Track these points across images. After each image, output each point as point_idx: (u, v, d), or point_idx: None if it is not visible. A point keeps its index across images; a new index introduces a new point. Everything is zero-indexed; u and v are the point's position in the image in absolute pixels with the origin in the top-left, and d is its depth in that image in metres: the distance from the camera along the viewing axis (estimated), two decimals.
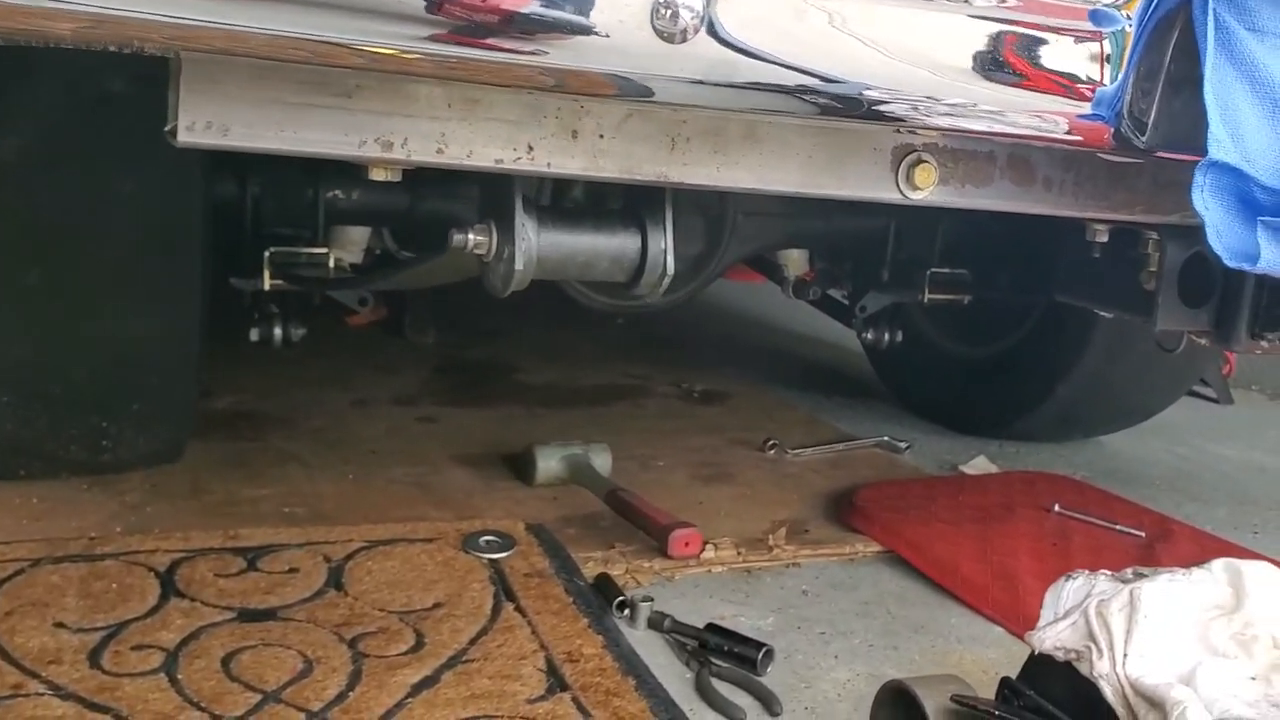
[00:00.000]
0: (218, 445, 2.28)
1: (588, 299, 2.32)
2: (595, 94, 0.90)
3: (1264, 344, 1.47)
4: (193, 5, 0.77)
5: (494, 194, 1.08)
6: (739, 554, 1.94)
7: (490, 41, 0.86)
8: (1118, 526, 2.19)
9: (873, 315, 2.77)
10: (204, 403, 2.56)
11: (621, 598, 1.70)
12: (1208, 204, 0.98)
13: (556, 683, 1.43)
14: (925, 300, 2.50)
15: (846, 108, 0.87)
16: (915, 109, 0.90)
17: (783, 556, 1.97)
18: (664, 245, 1.06)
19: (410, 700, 1.36)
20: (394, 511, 1.99)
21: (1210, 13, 0.93)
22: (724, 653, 1.59)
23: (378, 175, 0.99)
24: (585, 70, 0.87)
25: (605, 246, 1.07)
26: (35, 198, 1.57)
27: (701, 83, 0.88)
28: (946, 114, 0.90)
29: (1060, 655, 1.17)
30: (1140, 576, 1.21)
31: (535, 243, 1.03)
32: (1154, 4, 0.93)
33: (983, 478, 2.49)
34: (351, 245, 2.19)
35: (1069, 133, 0.94)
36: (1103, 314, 1.80)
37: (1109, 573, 1.24)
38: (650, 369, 3.25)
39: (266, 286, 2.02)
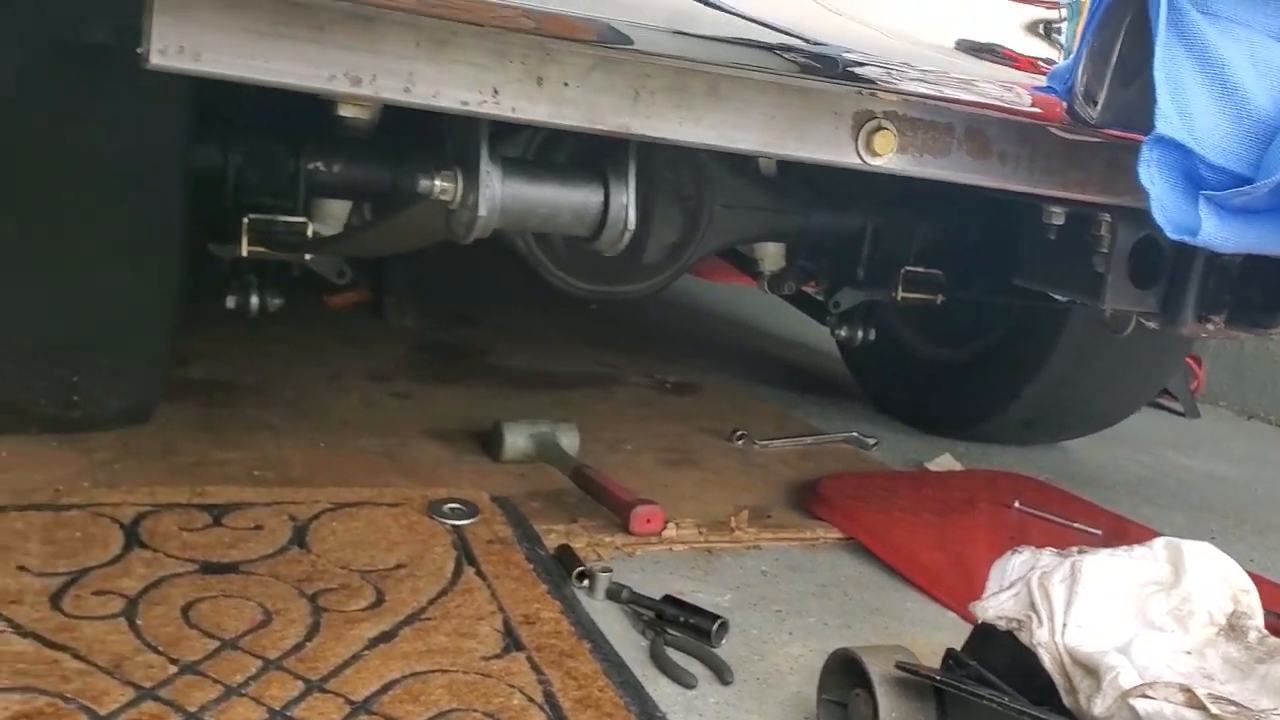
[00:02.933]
0: (190, 411, 2.29)
1: (564, 283, 2.35)
2: (574, 38, 0.91)
3: (1209, 326, 1.51)
4: None
5: (461, 143, 1.11)
6: (700, 534, 1.97)
7: None
8: (1075, 524, 2.22)
9: (847, 313, 2.80)
10: (179, 371, 2.57)
11: (581, 568, 1.72)
12: (1154, 178, 1.01)
13: (512, 643, 1.46)
14: (899, 299, 2.54)
15: (825, 69, 0.90)
16: (888, 73, 0.92)
17: (744, 539, 2.00)
18: (625, 200, 1.09)
19: (367, 652, 1.38)
20: (361, 479, 2.01)
21: None
22: (679, 624, 1.62)
23: (347, 111, 1.01)
24: (565, 14, 0.89)
25: (568, 199, 1.09)
26: (12, 146, 1.58)
27: (681, 34, 0.90)
28: (916, 80, 0.92)
29: (1002, 625, 1.20)
30: (1083, 553, 1.24)
31: (499, 191, 1.06)
32: None
33: (946, 474, 2.52)
34: (331, 218, 2.20)
35: (1024, 105, 0.97)
36: (1057, 297, 1.84)
37: (1055, 550, 1.27)
38: (623, 359, 3.27)
39: (244, 253, 2.04)
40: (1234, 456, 3.23)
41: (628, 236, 1.11)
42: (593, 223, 1.11)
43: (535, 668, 1.40)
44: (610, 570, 1.72)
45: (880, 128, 1.04)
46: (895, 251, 2.54)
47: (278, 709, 1.24)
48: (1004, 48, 0.96)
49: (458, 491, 1.91)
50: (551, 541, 1.82)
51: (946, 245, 2.54)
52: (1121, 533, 2.24)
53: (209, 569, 1.55)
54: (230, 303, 2.27)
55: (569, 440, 2.27)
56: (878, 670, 1.28)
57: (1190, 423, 3.61)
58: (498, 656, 1.42)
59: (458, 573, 1.64)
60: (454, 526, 1.78)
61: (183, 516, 1.69)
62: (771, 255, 2.82)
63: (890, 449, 2.73)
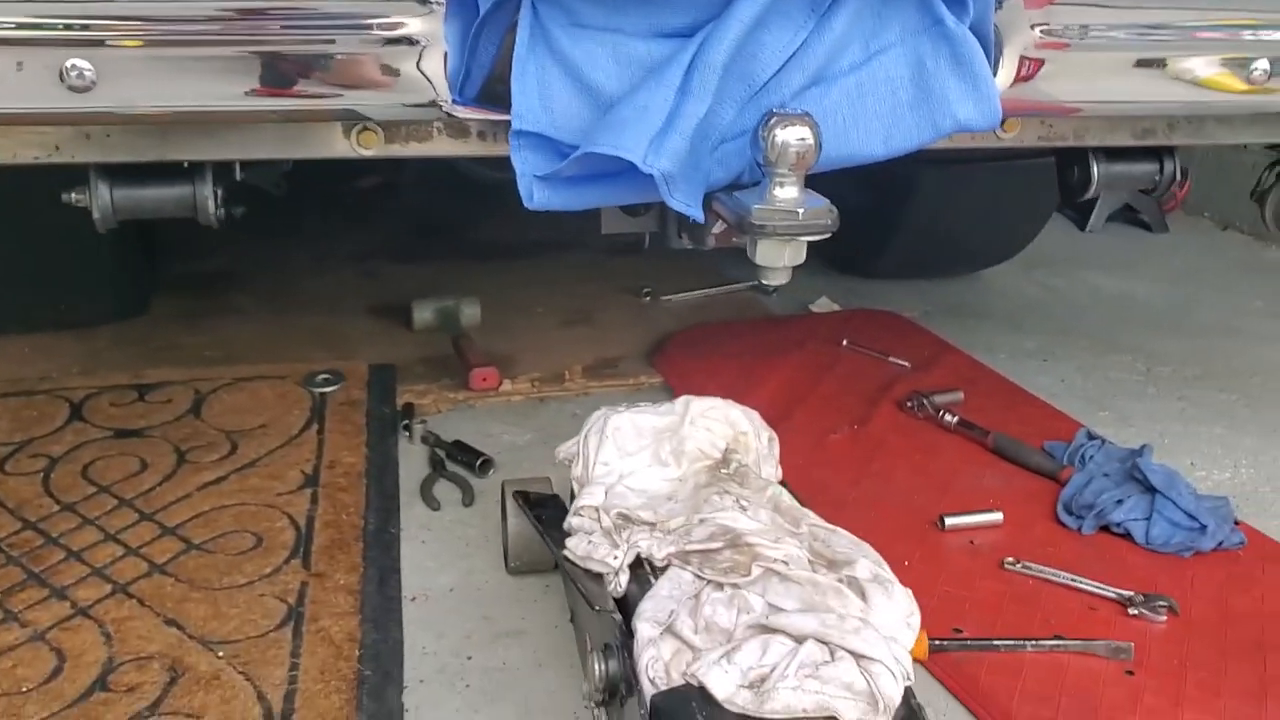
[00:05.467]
0: (184, 301, 2.90)
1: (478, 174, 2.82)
2: None
3: (685, 242, 1.86)
4: None
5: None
6: (534, 386, 2.44)
7: None
8: (890, 358, 2.56)
9: None
10: (196, 264, 3.19)
11: (406, 421, 2.24)
12: (525, 159, 1.37)
13: (309, 481, 2.00)
14: None
15: None
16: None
17: (573, 389, 2.46)
18: (207, 192, 1.54)
19: (196, 492, 1.95)
20: (290, 353, 2.57)
21: (530, 10, 1.29)
22: (458, 460, 2.12)
23: None
24: None
25: (168, 194, 1.55)
26: None
27: None
28: None
29: (566, 463, 1.65)
30: (616, 412, 1.64)
31: (110, 196, 1.53)
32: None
33: (801, 318, 2.88)
34: None
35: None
36: None
37: (625, 408, 1.68)
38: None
39: None
40: (1166, 274, 3.38)
41: (220, 214, 1.57)
42: (189, 208, 1.56)
43: (314, 500, 1.94)
44: (424, 422, 2.24)
45: (365, 129, 1.43)
46: None
47: (112, 533, 1.83)
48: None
49: (334, 364, 2.44)
50: (403, 400, 2.34)
51: None
52: (932, 362, 2.57)
53: (120, 434, 2.15)
54: None
55: (470, 312, 2.76)
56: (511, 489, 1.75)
57: (1140, 240, 3.73)
58: (291, 493, 1.96)
59: (304, 430, 2.18)
60: (320, 394, 2.32)
61: (118, 395, 2.30)
62: None
63: (786, 295, 3.07)
